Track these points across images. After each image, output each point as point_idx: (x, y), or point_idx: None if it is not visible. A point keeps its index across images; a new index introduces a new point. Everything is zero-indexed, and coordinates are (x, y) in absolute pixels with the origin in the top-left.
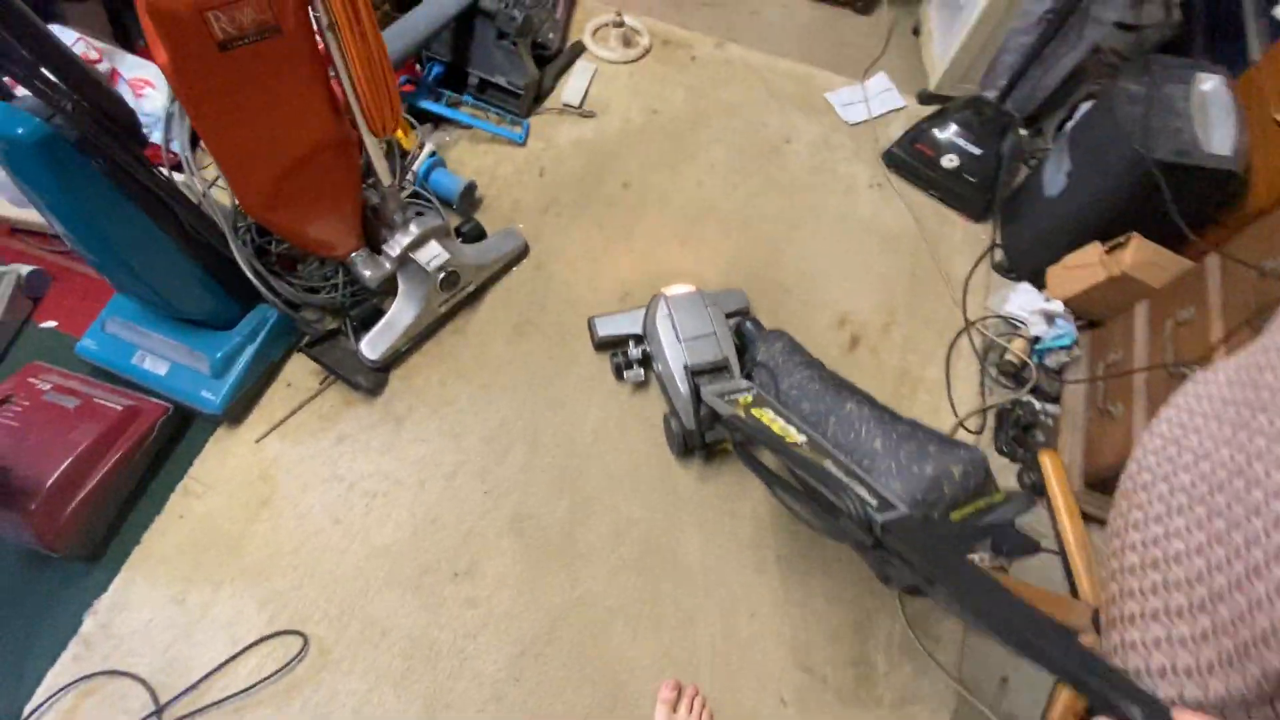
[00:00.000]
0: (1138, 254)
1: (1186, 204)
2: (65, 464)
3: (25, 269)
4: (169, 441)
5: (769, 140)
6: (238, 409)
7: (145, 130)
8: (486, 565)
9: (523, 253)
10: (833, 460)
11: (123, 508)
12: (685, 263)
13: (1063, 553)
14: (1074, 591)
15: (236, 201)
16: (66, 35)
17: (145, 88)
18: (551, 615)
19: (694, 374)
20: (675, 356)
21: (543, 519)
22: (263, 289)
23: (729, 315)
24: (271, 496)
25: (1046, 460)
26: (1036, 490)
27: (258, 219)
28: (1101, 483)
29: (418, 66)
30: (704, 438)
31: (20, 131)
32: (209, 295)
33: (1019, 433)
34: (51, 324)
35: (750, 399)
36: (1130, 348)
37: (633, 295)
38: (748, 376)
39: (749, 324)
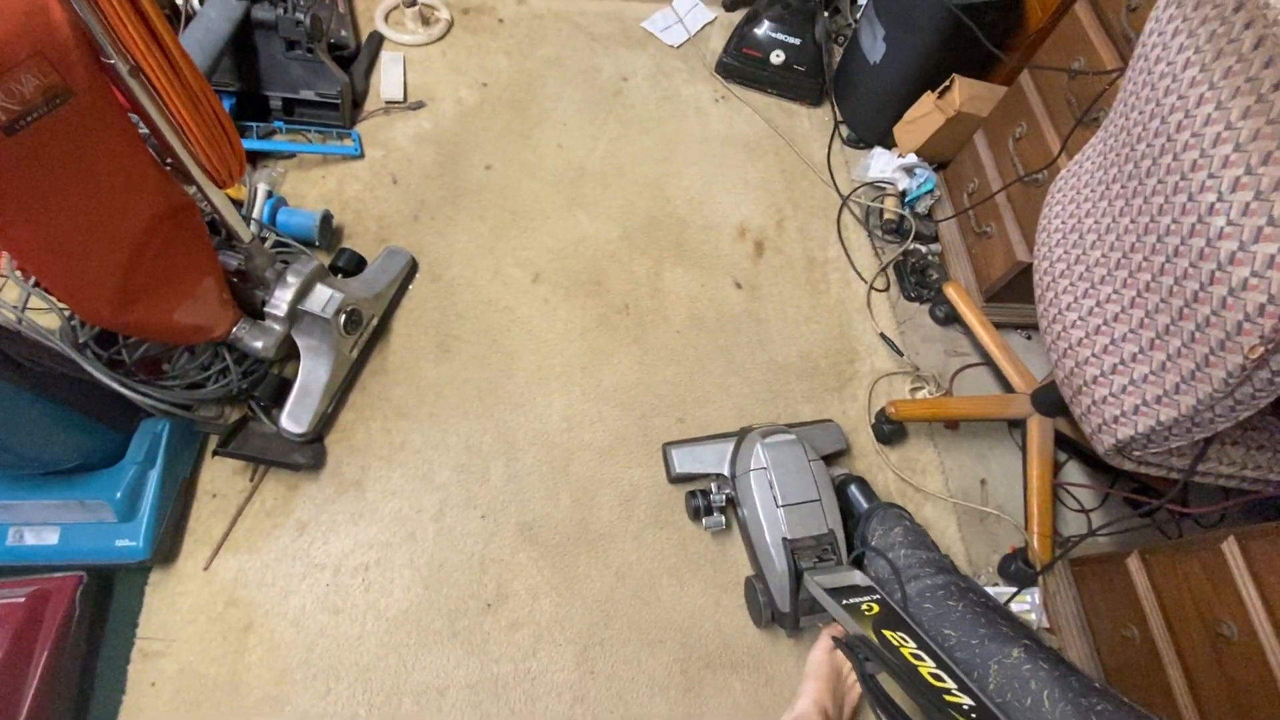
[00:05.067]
0: (963, 91)
1: (989, 36)
2: None
3: None
4: (97, 611)
5: (608, 84)
6: (165, 545)
7: None
8: (514, 585)
9: (413, 268)
10: None
11: (78, 706)
12: (581, 225)
13: (989, 362)
14: (1008, 389)
15: (74, 315)
16: None
17: None
18: (597, 601)
19: (793, 548)
20: (772, 525)
21: (550, 519)
22: (143, 401)
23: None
24: (251, 619)
25: (950, 290)
26: (950, 319)
27: (113, 326)
28: (998, 294)
29: None
30: (798, 621)
31: None
32: (79, 433)
33: (918, 277)
34: None
35: (876, 608)
36: (983, 174)
37: (544, 276)
38: (856, 561)
39: (854, 488)
